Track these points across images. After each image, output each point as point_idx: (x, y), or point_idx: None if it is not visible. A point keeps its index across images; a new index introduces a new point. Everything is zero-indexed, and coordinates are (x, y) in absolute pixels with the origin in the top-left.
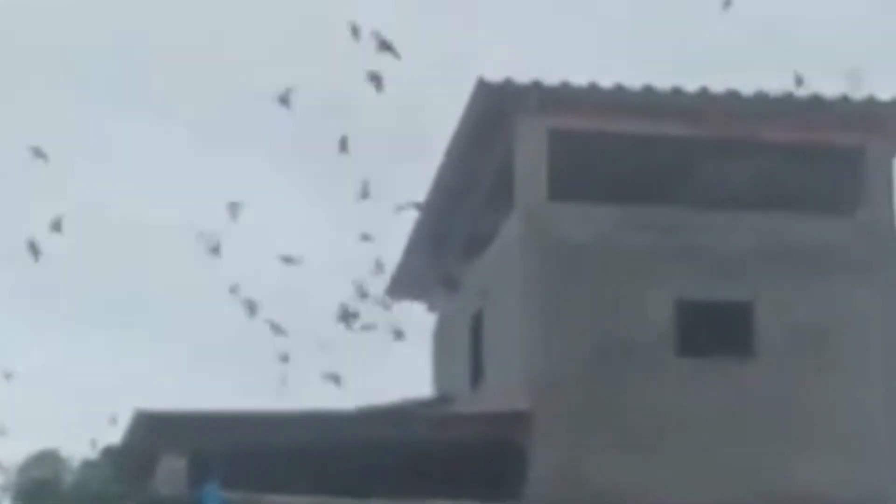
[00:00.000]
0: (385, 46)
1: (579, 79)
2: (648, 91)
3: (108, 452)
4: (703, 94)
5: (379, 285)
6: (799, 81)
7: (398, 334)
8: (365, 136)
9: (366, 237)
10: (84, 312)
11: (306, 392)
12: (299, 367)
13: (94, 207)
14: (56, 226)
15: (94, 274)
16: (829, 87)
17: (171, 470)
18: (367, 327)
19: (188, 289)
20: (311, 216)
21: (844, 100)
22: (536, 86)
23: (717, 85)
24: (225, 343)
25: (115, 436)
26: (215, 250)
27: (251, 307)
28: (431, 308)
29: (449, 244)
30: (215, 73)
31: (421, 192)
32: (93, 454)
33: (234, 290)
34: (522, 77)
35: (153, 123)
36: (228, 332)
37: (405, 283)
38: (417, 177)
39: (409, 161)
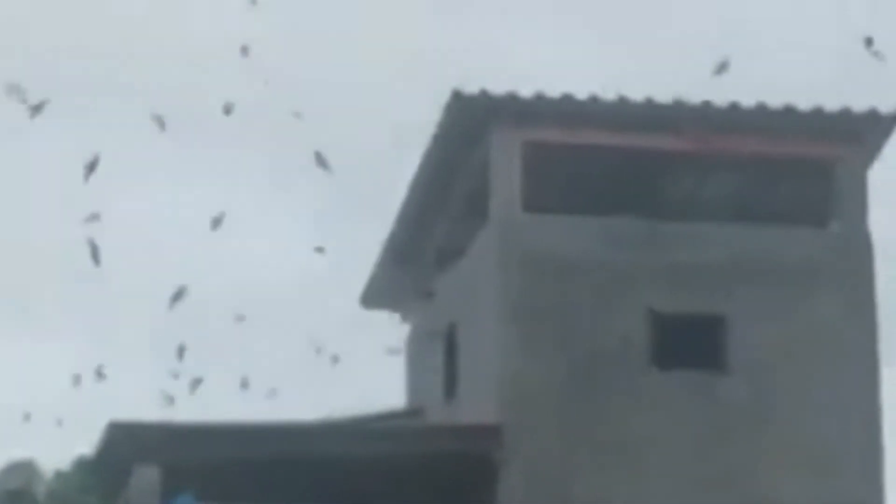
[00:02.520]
0: None
1: (554, 90)
2: (623, 103)
3: (82, 463)
4: (678, 105)
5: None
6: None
7: None
8: (338, 148)
9: (320, 249)
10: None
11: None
12: None
13: None
14: None
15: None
16: (803, 98)
17: (145, 481)
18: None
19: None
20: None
21: (818, 112)
22: (511, 98)
23: (692, 96)
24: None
25: (89, 446)
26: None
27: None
28: (405, 319)
29: (423, 255)
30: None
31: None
32: (66, 465)
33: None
34: (497, 89)
35: None
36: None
37: (378, 294)
38: (392, 189)
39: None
